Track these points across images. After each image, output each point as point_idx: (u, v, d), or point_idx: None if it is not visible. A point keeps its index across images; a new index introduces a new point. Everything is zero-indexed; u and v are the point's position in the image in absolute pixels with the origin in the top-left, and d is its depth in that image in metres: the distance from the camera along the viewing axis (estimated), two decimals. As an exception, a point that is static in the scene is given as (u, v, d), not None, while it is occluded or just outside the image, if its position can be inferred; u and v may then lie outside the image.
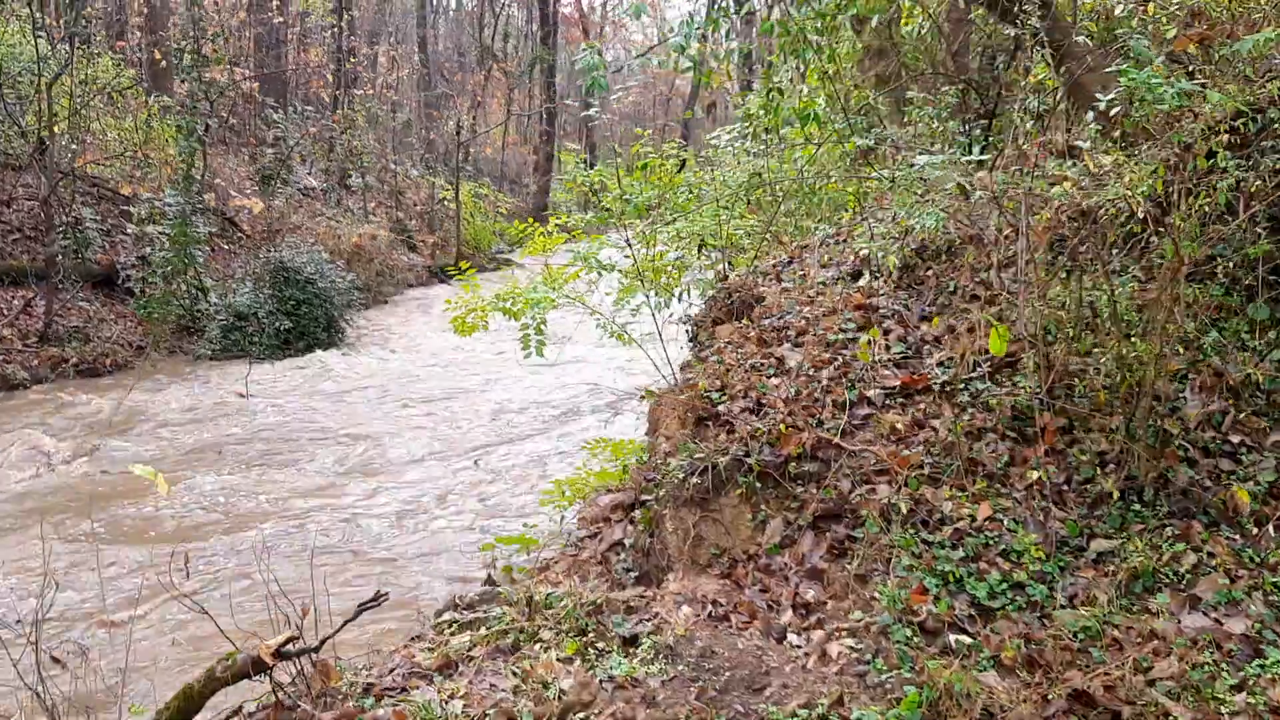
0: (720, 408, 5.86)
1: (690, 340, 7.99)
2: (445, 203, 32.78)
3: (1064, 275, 5.33)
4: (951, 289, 6.22)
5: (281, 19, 28.03)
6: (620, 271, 8.51)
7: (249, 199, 21.24)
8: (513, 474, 10.39)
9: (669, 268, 8.09)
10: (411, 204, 33.03)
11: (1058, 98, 7.71)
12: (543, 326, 8.25)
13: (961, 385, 5.51)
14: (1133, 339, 4.76)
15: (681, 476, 5.42)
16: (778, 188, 7.98)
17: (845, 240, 8.17)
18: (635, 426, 11.77)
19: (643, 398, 8.44)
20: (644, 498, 5.57)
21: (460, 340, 18.89)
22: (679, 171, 8.66)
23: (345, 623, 4.36)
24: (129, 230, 18.78)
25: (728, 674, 4.19)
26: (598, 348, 14.01)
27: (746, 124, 9.51)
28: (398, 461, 10.85)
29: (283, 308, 17.93)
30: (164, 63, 22.37)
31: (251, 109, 26.71)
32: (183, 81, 23.68)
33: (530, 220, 9.39)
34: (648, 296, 8.02)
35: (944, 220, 4.80)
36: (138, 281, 18.03)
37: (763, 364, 6.15)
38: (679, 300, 8.43)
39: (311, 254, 19.18)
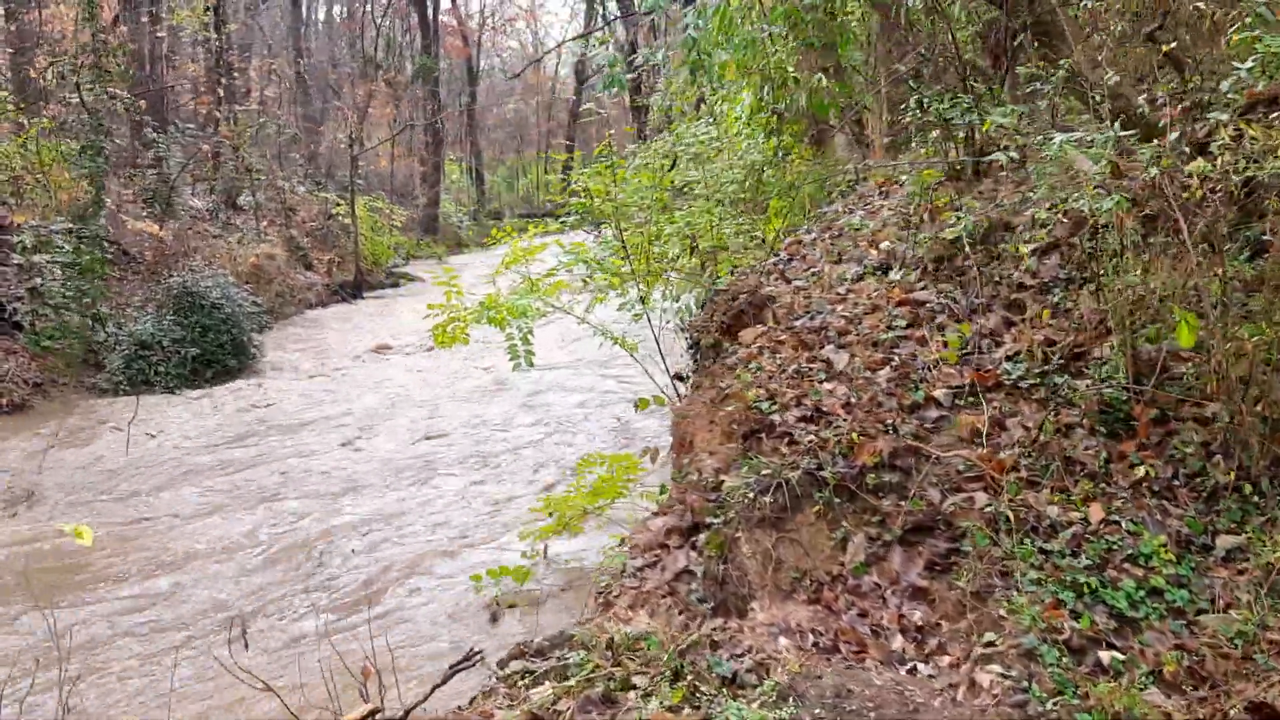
0: (774, 418, 5.44)
1: (691, 348, 7.55)
2: (339, 218, 31.72)
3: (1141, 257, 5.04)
4: (997, 279, 5.90)
5: (162, 34, 26.70)
6: (605, 272, 8.07)
7: (146, 223, 20.06)
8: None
9: (664, 270, 7.64)
10: (302, 221, 31.83)
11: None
12: (530, 336, 7.78)
13: (1037, 379, 5.18)
14: (1260, 323, 4.48)
15: (752, 496, 4.98)
16: (790, 180, 7.58)
17: (841, 233, 7.83)
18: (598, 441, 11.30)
19: (637, 407, 8.00)
20: (708, 520, 5.11)
21: (379, 362, 18.25)
22: (670, 169, 8.24)
23: (434, 688, 3.83)
24: (15, 260, 17.56)
25: (873, 715, 3.77)
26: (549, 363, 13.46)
27: (733, 120, 9.10)
28: (334, 496, 10.08)
29: (189, 335, 16.94)
30: (39, 81, 21.03)
31: (133, 128, 25.32)
32: (47, 102, 22.41)
33: (492, 233, 8.86)
34: (641, 301, 7.57)
35: (1127, 205, 4.45)
36: (27, 315, 16.89)
37: (809, 368, 5.74)
38: (673, 303, 7.98)
39: (216, 277, 18.22)
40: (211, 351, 16.97)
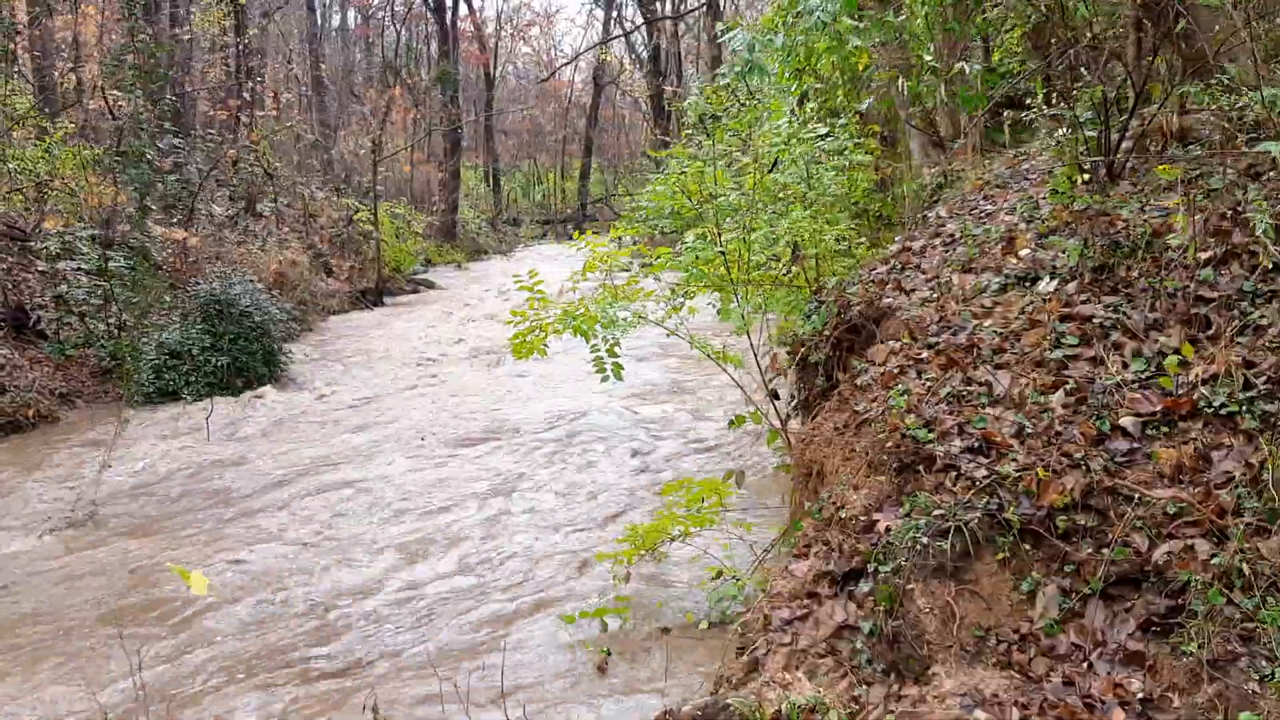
0: (933, 448, 4.80)
1: (798, 364, 6.91)
2: (360, 224, 31.14)
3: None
4: (1170, 291, 5.25)
5: (187, 37, 26.16)
6: (701, 279, 7.49)
7: (173, 229, 19.49)
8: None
9: (769, 279, 7.02)
10: (321, 228, 31.22)
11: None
12: (616, 349, 7.17)
13: (1239, 406, 4.53)
14: None
15: (925, 541, 4.35)
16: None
17: (953, 240, 7.20)
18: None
19: (731, 424, 7.38)
20: (871, 567, 4.47)
21: (414, 367, 17.63)
22: (770, 170, 7.62)
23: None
24: (39, 267, 17.01)
25: (1134, 820, 3.12)
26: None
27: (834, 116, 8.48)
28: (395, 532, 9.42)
29: (218, 343, 16.34)
30: (63, 86, 20.47)
31: (153, 134, 24.74)
32: (73, 107, 21.92)
33: (574, 236, 8.24)
34: (744, 313, 6.95)
35: None
36: (51, 323, 16.36)
37: (967, 391, 5.10)
38: (764, 315, 7.36)
39: (245, 284, 17.63)
40: (242, 360, 16.40)
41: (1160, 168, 5.75)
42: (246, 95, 26.83)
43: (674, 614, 6.78)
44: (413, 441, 12.10)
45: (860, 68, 7.95)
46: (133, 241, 16.22)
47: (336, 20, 57.26)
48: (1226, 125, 5.59)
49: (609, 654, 6.18)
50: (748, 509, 8.04)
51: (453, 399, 14.71)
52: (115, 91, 17.46)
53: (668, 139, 37.24)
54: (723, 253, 6.81)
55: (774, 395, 7.42)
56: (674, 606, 6.92)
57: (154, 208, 16.49)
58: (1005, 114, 9.50)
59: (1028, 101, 7.21)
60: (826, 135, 7.66)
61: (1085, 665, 4.01)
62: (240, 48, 28.18)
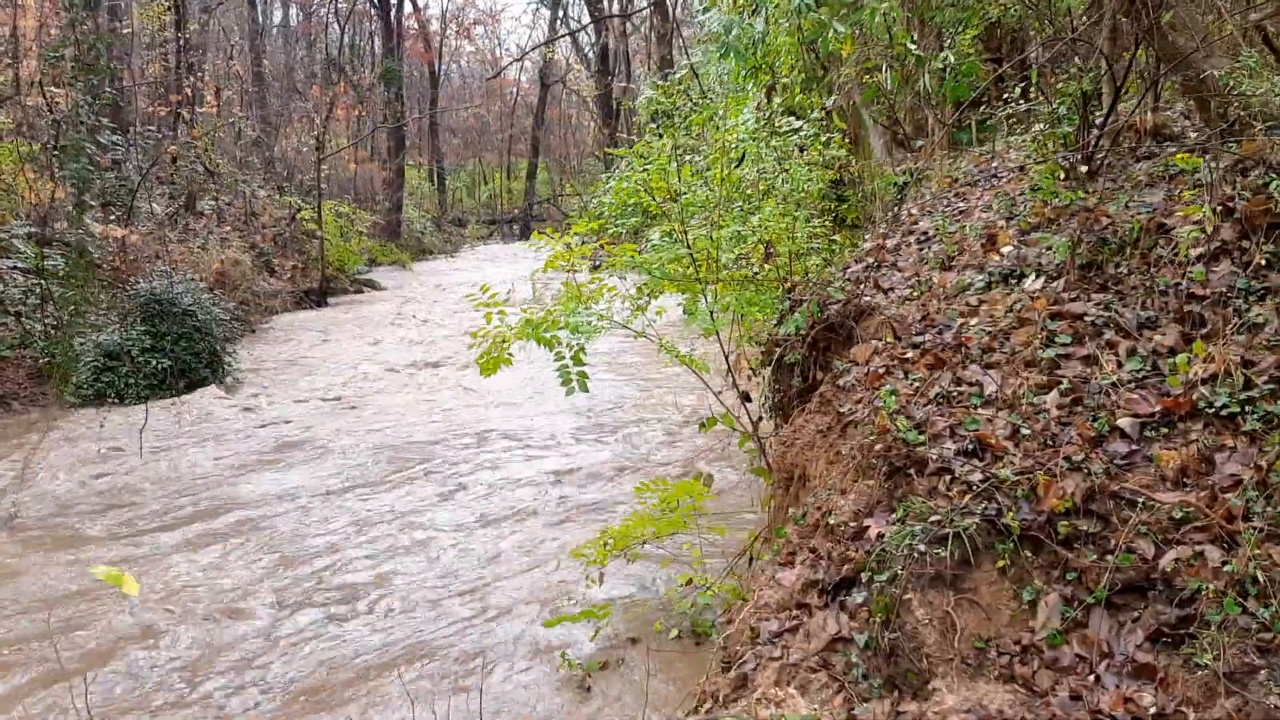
0: (924, 451, 4.61)
1: (771, 365, 6.71)
2: (303, 223, 30.54)
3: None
4: (1162, 288, 5.11)
5: (127, 30, 25.45)
6: (662, 278, 7.24)
7: (112, 227, 18.93)
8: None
9: (740, 277, 6.80)
10: (263, 226, 30.54)
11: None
12: (582, 355, 6.89)
13: (1241, 408, 4.38)
14: None
15: (922, 548, 4.15)
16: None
17: (928, 237, 7.05)
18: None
19: (702, 427, 7.16)
20: (864, 576, 4.26)
21: (356, 373, 17.23)
22: (737, 166, 7.41)
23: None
24: (-30, 266, 16.41)
25: (1165, 847, 2.94)
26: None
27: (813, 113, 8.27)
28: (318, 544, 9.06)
29: (159, 344, 15.83)
30: (1, 80, 19.82)
31: (89, 130, 24.02)
32: (5, 103, 21.16)
33: (534, 235, 7.98)
34: (712, 312, 6.72)
35: None
36: (-17, 323, 15.76)
37: (956, 392, 4.92)
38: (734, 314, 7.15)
39: (187, 284, 17.13)
40: (185, 361, 15.92)
41: (1178, 156, 5.62)
42: (187, 91, 26.16)
43: (646, 623, 6.56)
44: (349, 456, 11.68)
45: (844, 55, 7.77)
46: (70, 238, 15.64)
47: (278, 17, 56.39)
48: (1243, 113, 5.47)
49: (564, 661, 5.94)
50: (719, 513, 7.82)
51: (392, 409, 14.31)
52: (54, 88, 16.88)
53: (617, 139, 37.03)
54: (690, 253, 6.57)
55: (745, 398, 7.21)
56: (648, 616, 6.68)
57: (93, 204, 15.93)
58: (968, 113, 9.40)
59: (1005, 98, 7.07)
60: (799, 129, 7.48)
61: (1092, 678, 3.83)
62: (180, 43, 27.50)
